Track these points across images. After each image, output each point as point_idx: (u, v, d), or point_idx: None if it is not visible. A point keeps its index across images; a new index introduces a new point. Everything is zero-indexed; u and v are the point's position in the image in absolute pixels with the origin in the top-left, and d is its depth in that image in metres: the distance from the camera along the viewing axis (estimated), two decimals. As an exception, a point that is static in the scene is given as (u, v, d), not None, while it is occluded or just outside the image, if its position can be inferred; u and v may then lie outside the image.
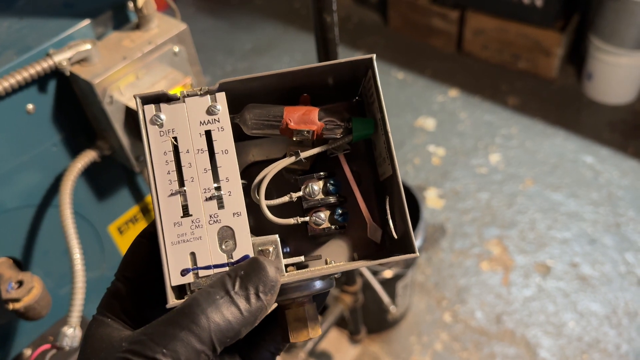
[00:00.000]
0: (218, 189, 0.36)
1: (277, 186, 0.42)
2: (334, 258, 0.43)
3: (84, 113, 0.89)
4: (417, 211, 1.54)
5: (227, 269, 0.35)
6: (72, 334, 0.76)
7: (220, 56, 2.94)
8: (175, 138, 0.36)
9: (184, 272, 0.34)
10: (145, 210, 1.07)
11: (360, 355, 1.68)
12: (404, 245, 0.38)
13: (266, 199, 0.39)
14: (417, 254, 0.36)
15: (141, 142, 0.87)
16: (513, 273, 1.83)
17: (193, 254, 0.35)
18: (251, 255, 0.35)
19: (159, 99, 0.36)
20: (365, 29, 2.97)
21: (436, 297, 1.80)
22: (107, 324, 0.34)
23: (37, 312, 0.77)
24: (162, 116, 0.36)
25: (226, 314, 0.31)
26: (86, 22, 0.86)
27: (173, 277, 0.34)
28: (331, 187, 0.40)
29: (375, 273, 1.49)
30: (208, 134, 0.36)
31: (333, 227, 0.40)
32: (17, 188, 0.88)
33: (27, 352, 0.87)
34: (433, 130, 2.35)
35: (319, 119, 0.39)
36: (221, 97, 0.37)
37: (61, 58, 0.80)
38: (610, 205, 1.98)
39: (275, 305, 0.40)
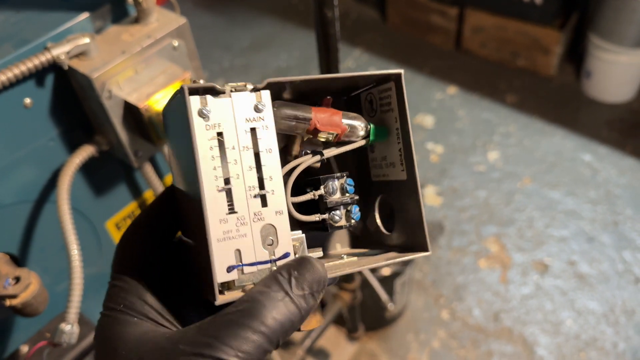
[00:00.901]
0: (262, 187, 0.36)
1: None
2: (329, 249, 0.47)
3: (81, 108, 0.88)
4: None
5: (269, 265, 0.36)
6: (70, 330, 0.75)
7: (217, 52, 2.92)
8: (220, 133, 0.35)
9: (229, 269, 0.34)
10: (143, 206, 1.07)
11: (357, 352, 1.68)
12: (419, 244, 0.42)
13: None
14: (430, 251, 0.41)
15: (141, 138, 0.85)
16: (511, 271, 1.83)
17: (238, 251, 0.35)
18: (291, 252, 0.36)
19: (206, 91, 0.36)
20: (364, 25, 2.96)
21: (434, 294, 1.79)
22: (136, 322, 0.34)
23: (35, 309, 0.76)
24: (209, 109, 0.35)
25: (287, 313, 0.32)
26: (85, 15, 0.85)
27: (219, 274, 0.34)
28: (348, 187, 0.42)
29: (373, 270, 1.49)
30: (253, 131, 0.36)
31: (348, 224, 0.42)
32: (14, 183, 0.87)
33: (24, 348, 0.86)
34: (431, 128, 2.35)
35: (342, 123, 0.42)
36: (266, 95, 0.37)
37: (59, 52, 0.79)
38: (608, 203, 1.99)
39: None
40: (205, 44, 2.96)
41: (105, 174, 0.98)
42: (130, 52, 0.82)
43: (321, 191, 0.41)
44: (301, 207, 0.42)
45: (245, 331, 0.30)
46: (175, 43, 0.86)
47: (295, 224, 0.40)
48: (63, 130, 0.88)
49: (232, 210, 0.35)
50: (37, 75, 0.81)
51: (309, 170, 0.42)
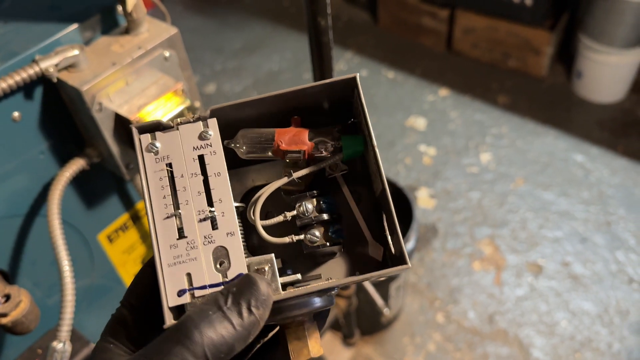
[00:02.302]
0: (212, 211, 0.36)
1: (277, 208, 0.42)
2: (334, 276, 0.43)
3: (72, 120, 0.87)
4: (409, 212, 1.54)
5: (222, 287, 0.35)
6: (61, 349, 0.74)
7: (209, 55, 2.91)
8: (170, 164, 0.37)
9: (180, 293, 0.35)
10: (135, 218, 1.05)
11: (353, 357, 1.67)
12: (398, 258, 0.38)
13: (265, 220, 0.40)
14: (409, 265, 0.36)
15: (132, 150, 0.85)
16: (505, 273, 1.83)
17: (189, 275, 0.35)
18: (245, 273, 0.36)
19: (154, 127, 0.38)
20: (355, 27, 2.95)
21: (429, 297, 1.79)
22: (110, 349, 0.35)
23: (26, 327, 0.75)
24: (157, 144, 0.38)
25: (219, 328, 0.31)
26: (74, 26, 0.83)
27: (170, 298, 0.35)
28: (324, 205, 0.41)
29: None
30: (201, 158, 0.38)
31: (328, 244, 0.40)
32: (3, 197, 0.85)
33: (16, 365, 0.85)
34: (424, 130, 2.35)
35: (310, 139, 0.40)
36: (213, 122, 0.38)
37: (48, 64, 0.78)
38: (600, 203, 1.99)
39: (277, 328, 0.40)
40: (197, 47, 2.94)
41: (97, 186, 0.97)
42: (121, 63, 0.81)
43: (294, 212, 0.40)
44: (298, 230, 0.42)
45: (169, 344, 0.31)
46: (167, 53, 0.85)
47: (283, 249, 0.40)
48: (53, 143, 0.87)
49: (182, 236, 0.36)
50: (26, 88, 0.80)
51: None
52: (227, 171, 0.37)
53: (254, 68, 2.80)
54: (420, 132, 2.34)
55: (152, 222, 0.36)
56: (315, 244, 0.40)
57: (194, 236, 0.36)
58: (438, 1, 2.59)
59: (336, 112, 0.44)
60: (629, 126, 2.27)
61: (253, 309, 0.32)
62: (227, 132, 0.40)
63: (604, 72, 2.26)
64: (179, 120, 0.38)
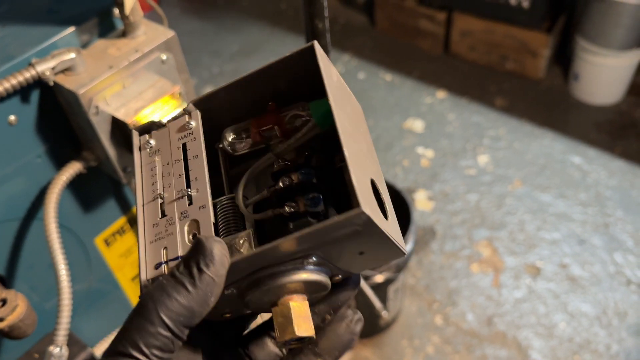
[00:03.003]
0: (189, 189, 0.39)
1: (265, 187, 0.42)
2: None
3: (68, 124, 0.87)
4: (407, 214, 1.53)
5: None
6: (58, 353, 0.74)
7: (206, 58, 2.91)
8: (159, 156, 0.41)
9: (157, 266, 0.37)
10: (133, 222, 1.05)
11: (352, 360, 1.67)
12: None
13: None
14: (362, 209, 0.32)
15: (129, 153, 0.85)
16: (503, 274, 1.83)
17: (166, 248, 0.37)
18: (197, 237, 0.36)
19: (150, 128, 0.43)
20: (352, 30, 2.96)
21: (427, 299, 1.79)
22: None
23: (22, 331, 0.74)
24: (152, 141, 0.42)
25: (173, 294, 0.32)
26: (70, 29, 0.83)
27: (149, 271, 0.37)
28: (301, 176, 0.39)
29: (366, 278, 1.48)
30: (184, 146, 0.41)
31: (306, 211, 0.38)
32: (0, 201, 0.85)
33: (12, 370, 0.84)
34: (421, 132, 2.35)
35: (279, 115, 0.41)
36: (195, 114, 0.42)
37: (44, 67, 0.77)
38: (598, 205, 2.00)
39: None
40: (194, 50, 2.94)
41: (94, 190, 0.96)
42: (118, 66, 0.81)
43: (277, 186, 0.39)
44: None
45: (129, 321, 0.32)
46: (164, 56, 0.85)
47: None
48: (50, 146, 0.87)
49: (163, 215, 0.39)
50: (22, 92, 0.80)
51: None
52: (204, 153, 0.40)
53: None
54: (418, 135, 2.34)
55: (141, 206, 0.39)
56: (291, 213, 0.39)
57: (172, 213, 0.39)
58: (435, 4, 2.59)
59: (313, 91, 0.42)
60: (626, 128, 2.27)
61: (203, 268, 0.32)
62: (219, 123, 0.42)
63: (601, 74, 2.27)
64: (171, 119, 0.42)
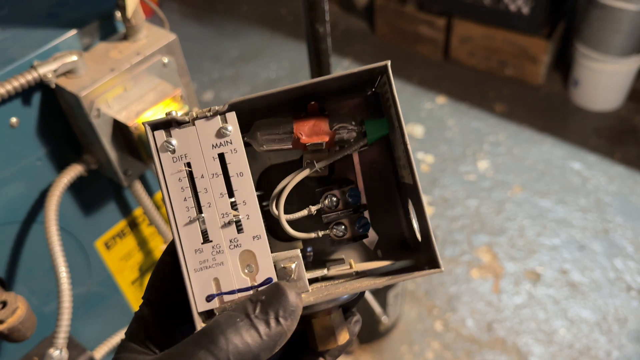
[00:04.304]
0: (236, 215, 0.35)
1: (296, 194, 0.41)
2: (355, 258, 0.43)
3: (69, 126, 0.87)
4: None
5: (251, 292, 0.35)
6: (58, 356, 0.73)
7: (206, 63, 2.91)
8: (188, 164, 0.35)
9: (209, 298, 0.35)
10: (133, 225, 1.05)
11: (351, 366, 1.66)
12: (430, 260, 0.37)
13: (285, 206, 0.39)
14: (442, 269, 0.36)
15: (130, 157, 0.84)
16: (503, 280, 1.83)
17: (217, 280, 0.35)
18: (274, 277, 0.35)
19: (168, 123, 0.36)
20: (352, 36, 2.97)
21: (427, 305, 1.79)
22: (133, 349, 0.35)
23: (22, 334, 0.74)
24: (174, 141, 0.35)
25: (245, 336, 0.31)
26: (72, 32, 0.83)
27: (199, 304, 0.34)
28: (350, 199, 0.40)
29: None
30: (221, 156, 0.36)
31: (354, 238, 0.40)
32: (0, 204, 0.85)
33: (11, 373, 0.84)
34: (421, 138, 2.35)
35: (330, 127, 0.38)
36: (231, 117, 0.36)
37: (46, 70, 0.77)
38: (598, 211, 1.99)
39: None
40: (194, 55, 2.94)
41: (94, 193, 0.96)
42: (119, 69, 0.81)
43: (319, 205, 0.39)
44: (315, 222, 0.41)
45: (194, 348, 0.31)
46: (165, 60, 0.85)
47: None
48: (51, 149, 0.87)
49: (206, 240, 0.35)
50: (24, 94, 0.80)
51: (323, 180, 0.41)
52: (249, 170, 0.36)
53: (251, 76, 2.80)
54: (418, 140, 2.34)
55: (174, 226, 0.35)
56: (341, 239, 0.39)
57: (219, 240, 0.35)
58: (435, 10, 2.60)
59: (354, 88, 0.42)
60: (626, 134, 2.28)
61: (281, 320, 0.32)
62: (240, 124, 0.37)
63: (601, 80, 2.28)
64: (194, 114, 0.36)
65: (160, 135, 0.35)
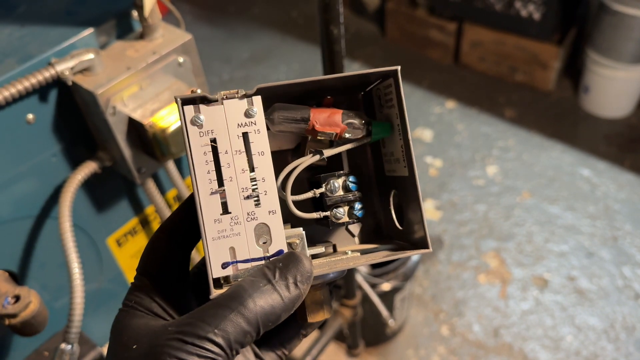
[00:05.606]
0: (255, 189, 0.38)
1: (295, 182, 0.45)
2: (341, 244, 0.48)
3: (85, 123, 0.88)
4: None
5: (263, 262, 0.38)
6: (70, 350, 0.74)
7: (217, 64, 2.93)
8: (214, 140, 0.38)
9: (224, 265, 0.37)
10: (145, 222, 1.05)
11: (357, 368, 1.66)
12: (420, 242, 0.41)
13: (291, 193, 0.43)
14: (430, 249, 0.40)
15: (144, 154, 0.84)
16: (511, 286, 1.82)
17: (232, 249, 0.37)
18: (285, 249, 0.38)
19: (198, 100, 0.38)
20: (363, 39, 2.97)
21: (434, 309, 1.78)
22: (141, 315, 0.36)
23: (34, 328, 0.75)
24: (202, 117, 0.37)
25: (269, 299, 0.34)
26: (89, 30, 0.84)
27: (215, 270, 0.37)
28: (351, 185, 0.43)
29: (373, 286, 1.48)
30: (245, 135, 0.38)
31: (351, 221, 0.43)
32: (15, 199, 0.86)
33: (22, 367, 0.85)
34: (430, 142, 2.35)
35: (342, 121, 0.42)
36: (257, 100, 0.39)
37: (63, 67, 0.78)
38: (607, 218, 1.99)
39: None
40: (205, 56, 2.94)
41: (108, 190, 0.97)
42: (135, 68, 0.82)
43: (322, 189, 0.43)
44: (312, 205, 0.45)
45: (225, 310, 0.33)
46: (181, 59, 0.86)
47: (302, 220, 0.43)
48: (66, 146, 0.88)
49: (226, 211, 0.37)
50: (41, 91, 0.81)
51: (320, 169, 0.45)
52: (270, 150, 0.39)
53: (261, 78, 2.81)
54: (427, 144, 2.34)
55: (197, 195, 0.37)
56: (339, 221, 0.43)
57: (237, 212, 0.38)
58: (446, 14, 2.61)
59: (349, 88, 0.46)
60: (636, 141, 2.27)
61: (299, 284, 0.35)
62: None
63: (611, 87, 2.27)
64: (223, 94, 0.38)
65: (190, 110, 0.37)
